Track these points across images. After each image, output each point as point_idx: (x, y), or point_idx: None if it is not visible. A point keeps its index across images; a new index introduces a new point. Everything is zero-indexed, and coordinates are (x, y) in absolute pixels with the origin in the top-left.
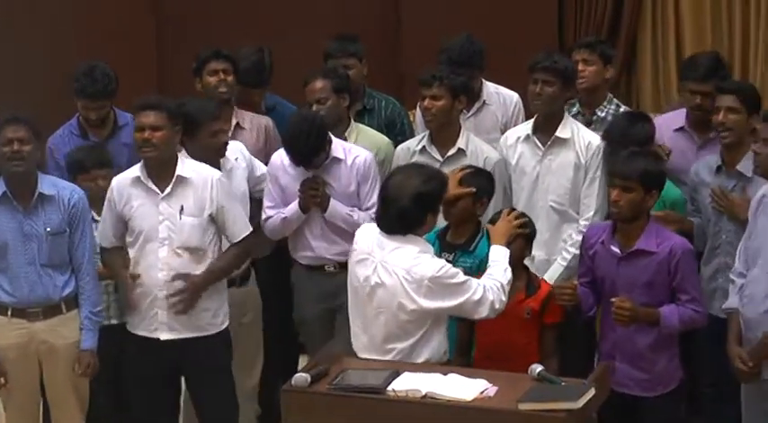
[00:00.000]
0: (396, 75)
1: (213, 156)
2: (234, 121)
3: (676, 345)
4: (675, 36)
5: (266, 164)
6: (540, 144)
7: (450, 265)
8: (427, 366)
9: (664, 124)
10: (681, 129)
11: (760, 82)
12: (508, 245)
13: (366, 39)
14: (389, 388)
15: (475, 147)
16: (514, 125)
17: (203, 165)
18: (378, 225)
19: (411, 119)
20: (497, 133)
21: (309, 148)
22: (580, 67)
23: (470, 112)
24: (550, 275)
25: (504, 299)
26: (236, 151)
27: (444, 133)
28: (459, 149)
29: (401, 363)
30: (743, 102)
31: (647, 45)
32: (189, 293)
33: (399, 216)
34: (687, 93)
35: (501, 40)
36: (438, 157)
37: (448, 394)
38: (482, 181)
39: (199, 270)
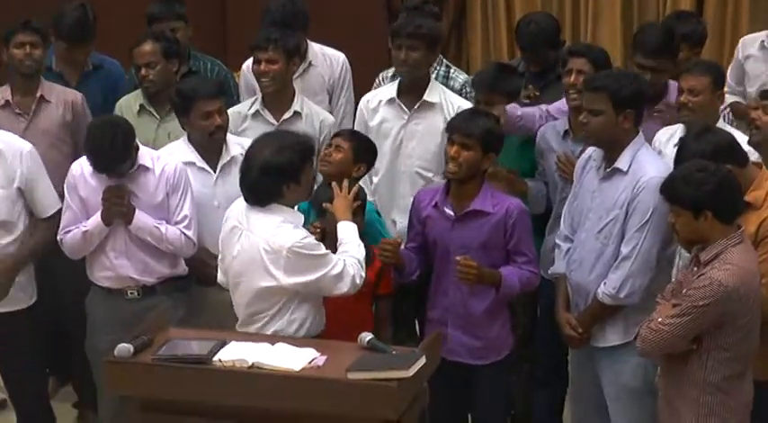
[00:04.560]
0: (220, 36)
1: (206, 140)
2: (38, 94)
3: (508, 311)
4: None
5: (74, 142)
6: (405, 108)
7: (311, 237)
8: (255, 336)
9: None
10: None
11: (590, 41)
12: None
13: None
14: (215, 358)
15: (310, 110)
16: (341, 87)
17: (14, 136)
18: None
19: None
20: (324, 95)
21: (114, 154)
22: None
23: (296, 74)
24: None
25: (363, 274)
26: (241, 146)
27: (279, 97)
28: (296, 113)
29: (229, 332)
30: (593, 64)
31: (476, 2)
32: (2, 279)
33: (250, 188)
34: (635, 66)
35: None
36: (272, 120)
37: (276, 364)
38: (360, 144)
39: (7, 241)
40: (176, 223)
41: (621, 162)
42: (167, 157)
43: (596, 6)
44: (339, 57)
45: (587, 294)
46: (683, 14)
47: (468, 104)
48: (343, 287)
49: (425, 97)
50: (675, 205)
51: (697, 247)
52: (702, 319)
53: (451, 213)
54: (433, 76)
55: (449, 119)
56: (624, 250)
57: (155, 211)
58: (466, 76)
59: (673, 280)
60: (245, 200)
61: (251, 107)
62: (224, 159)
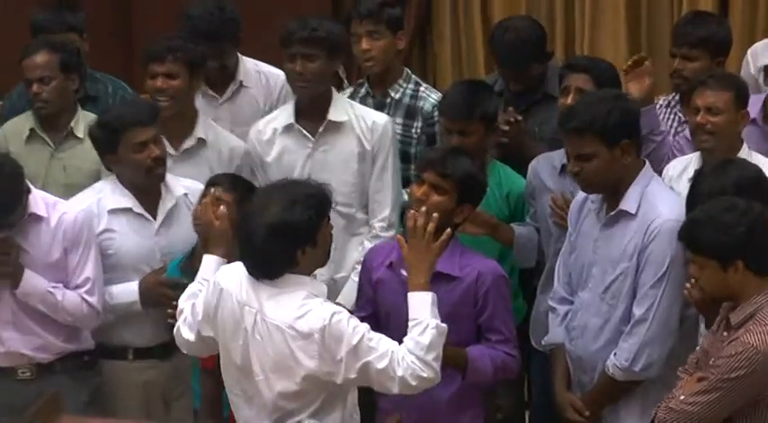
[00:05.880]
0: (123, 52)
1: (142, 179)
2: None
3: (481, 402)
4: None
5: None
6: (308, 133)
7: (347, 314)
8: None
9: None
10: (752, 121)
11: (588, 52)
12: None
13: (87, 8)
14: None
15: (216, 136)
16: None
17: None
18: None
19: None
20: None
21: (1, 201)
22: (364, 44)
23: (224, 97)
24: (346, 299)
25: (426, 375)
26: (185, 187)
27: (179, 122)
28: (199, 140)
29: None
30: (597, 82)
31: (445, 5)
32: None
33: (255, 258)
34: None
35: (263, 7)
36: (171, 151)
37: None
38: (246, 194)
39: None
40: (76, 287)
41: (627, 203)
42: (66, 204)
43: (595, 7)
44: (278, 76)
45: (593, 368)
46: (701, 15)
47: (384, 118)
48: (393, 388)
49: (330, 117)
50: (699, 255)
51: (726, 305)
52: (735, 396)
53: None
54: (398, 96)
55: (363, 138)
56: (637, 312)
57: (49, 271)
58: (439, 94)
59: (699, 347)
60: (249, 273)
61: None
62: (167, 203)
